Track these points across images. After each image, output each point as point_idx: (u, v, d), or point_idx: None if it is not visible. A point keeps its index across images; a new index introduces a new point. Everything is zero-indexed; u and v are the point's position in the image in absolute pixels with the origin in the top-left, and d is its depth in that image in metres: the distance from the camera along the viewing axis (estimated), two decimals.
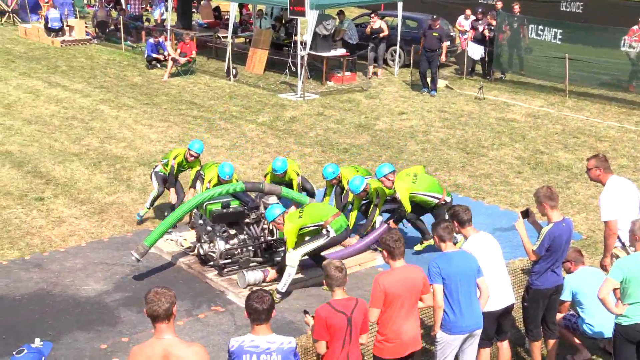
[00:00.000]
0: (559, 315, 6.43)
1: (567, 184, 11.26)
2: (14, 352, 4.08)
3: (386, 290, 4.91)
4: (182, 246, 8.89)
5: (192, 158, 9.26)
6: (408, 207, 8.27)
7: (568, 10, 22.62)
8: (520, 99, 16.15)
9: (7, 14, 25.40)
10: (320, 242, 7.64)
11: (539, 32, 17.22)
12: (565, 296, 6.19)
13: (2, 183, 11.73)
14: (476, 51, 17.70)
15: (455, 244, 6.14)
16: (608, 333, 5.83)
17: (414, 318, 5.12)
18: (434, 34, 16.13)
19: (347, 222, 8.07)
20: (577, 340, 6.44)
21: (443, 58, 17.27)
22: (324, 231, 7.66)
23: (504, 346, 5.99)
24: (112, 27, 22.74)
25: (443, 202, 8.37)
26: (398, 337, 5.06)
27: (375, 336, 5.26)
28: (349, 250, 8.36)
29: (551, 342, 6.20)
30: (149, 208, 9.54)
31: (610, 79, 16.13)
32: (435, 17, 17.19)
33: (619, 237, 6.24)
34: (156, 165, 9.59)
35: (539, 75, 17.37)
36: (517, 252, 7.72)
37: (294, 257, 7.51)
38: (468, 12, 18.95)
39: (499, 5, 18.96)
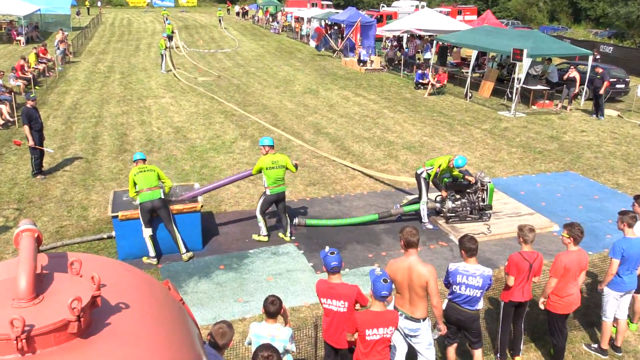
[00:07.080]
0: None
1: None
2: (328, 252, 4.69)
3: (565, 265, 5.13)
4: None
5: None
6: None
7: None
8: None
9: (337, 52, 31.45)
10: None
11: None
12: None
13: (325, 149, 13.41)
14: None
15: None
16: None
17: (577, 286, 5.20)
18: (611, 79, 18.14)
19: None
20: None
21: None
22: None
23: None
24: (396, 62, 27.57)
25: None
26: (568, 296, 5.14)
27: (549, 298, 5.19)
28: (213, 185, 8.77)
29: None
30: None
31: None
32: (610, 67, 20.00)
33: None
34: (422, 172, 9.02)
35: None
36: None
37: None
38: None
39: None
